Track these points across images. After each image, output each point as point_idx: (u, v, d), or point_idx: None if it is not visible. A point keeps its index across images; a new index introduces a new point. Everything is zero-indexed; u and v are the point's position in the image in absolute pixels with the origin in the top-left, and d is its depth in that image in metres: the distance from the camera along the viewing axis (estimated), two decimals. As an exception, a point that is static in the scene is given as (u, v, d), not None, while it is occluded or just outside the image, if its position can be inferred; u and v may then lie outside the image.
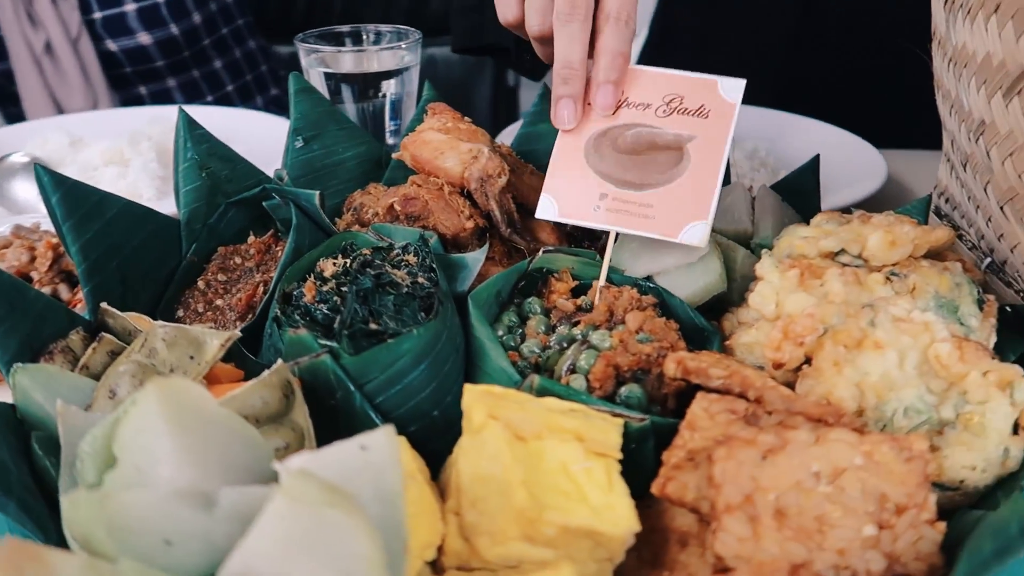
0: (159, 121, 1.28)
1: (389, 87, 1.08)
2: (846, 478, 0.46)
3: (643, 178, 0.71)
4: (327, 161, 0.92)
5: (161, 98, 1.61)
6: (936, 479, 0.52)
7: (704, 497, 0.49)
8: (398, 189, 0.83)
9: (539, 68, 1.27)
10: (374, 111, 1.08)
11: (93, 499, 0.38)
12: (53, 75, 1.50)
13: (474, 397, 0.52)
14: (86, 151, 1.19)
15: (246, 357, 0.64)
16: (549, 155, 0.75)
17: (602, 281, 0.71)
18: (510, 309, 0.72)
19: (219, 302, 0.75)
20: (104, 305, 0.63)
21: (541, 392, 0.56)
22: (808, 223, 0.71)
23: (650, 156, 0.71)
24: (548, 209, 0.75)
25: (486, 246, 0.76)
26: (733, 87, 0.70)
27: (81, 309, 0.71)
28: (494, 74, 2.24)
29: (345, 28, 1.08)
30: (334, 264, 0.69)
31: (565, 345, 0.65)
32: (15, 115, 1.58)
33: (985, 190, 0.64)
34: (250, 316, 0.71)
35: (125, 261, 0.74)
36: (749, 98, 1.38)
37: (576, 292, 0.74)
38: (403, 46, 1.05)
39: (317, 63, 1.04)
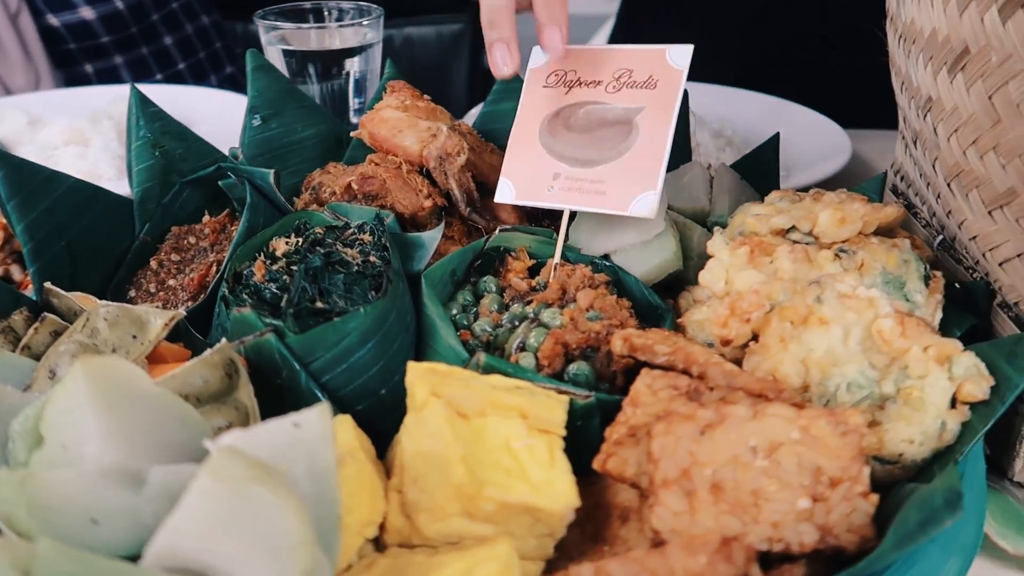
0: (121, 100, 1.26)
1: (352, 64, 1.07)
2: (782, 452, 0.46)
3: (595, 155, 0.71)
4: (286, 140, 0.91)
5: (108, 76, 1.55)
6: (876, 453, 0.53)
7: (644, 472, 0.49)
8: (356, 168, 0.82)
9: None
10: (337, 89, 1.06)
11: (14, 478, 0.37)
12: None
13: (417, 375, 0.52)
14: (45, 131, 1.17)
15: (195, 337, 0.64)
16: (510, 134, 0.75)
17: (557, 259, 0.71)
18: (465, 288, 0.72)
19: (172, 282, 0.75)
20: (48, 285, 0.62)
21: (487, 370, 0.56)
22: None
23: (601, 132, 0.71)
24: (506, 192, 0.74)
25: (441, 225, 0.76)
26: (681, 53, 0.69)
27: (32, 290, 0.70)
28: (471, 53, 2.22)
29: (306, 4, 1.06)
30: (286, 243, 0.69)
31: (517, 323, 0.65)
32: None
33: (934, 167, 0.64)
34: (202, 296, 0.71)
35: (74, 240, 0.73)
36: (716, 77, 1.37)
37: (534, 271, 0.74)
38: (365, 23, 1.04)
39: (277, 40, 1.02)
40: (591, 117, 0.73)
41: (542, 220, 0.84)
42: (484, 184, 0.82)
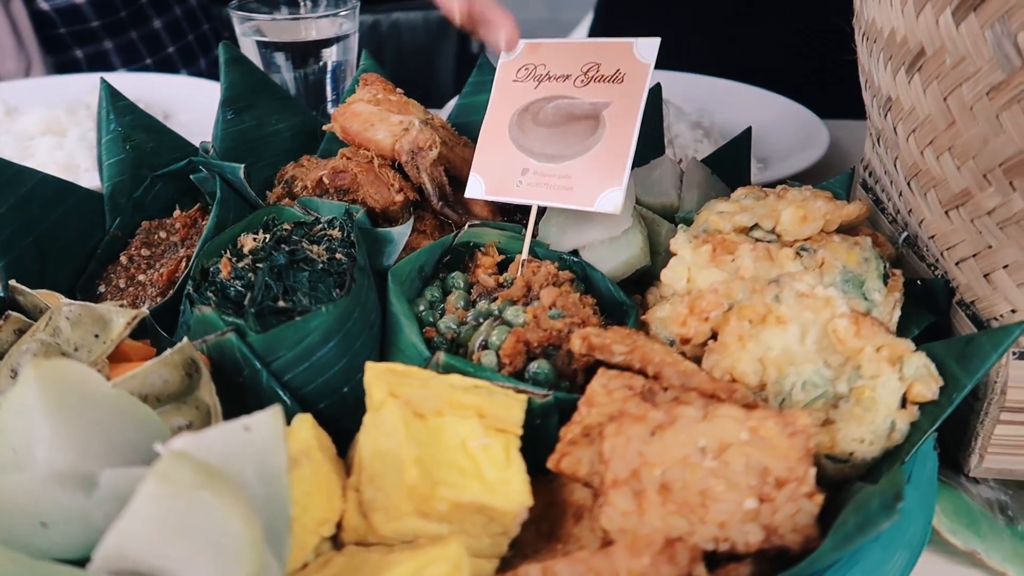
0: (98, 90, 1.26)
1: (329, 56, 1.06)
2: (731, 453, 0.47)
3: (562, 150, 0.71)
4: (259, 133, 0.91)
5: (98, 61, 1.55)
6: (829, 451, 0.54)
7: (596, 472, 0.50)
8: (328, 162, 0.82)
9: None
10: (313, 81, 1.06)
11: (-38, 483, 0.38)
12: None
13: (375, 375, 0.53)
14: (21, 120, 1.16)
15: (161, 335, 0.64)
16: (485, 127, 0.75)
17: (524, 255, 0.72)
18: (434, 284, 0.72)
19: (141, 277, 0.75)
20: (13, 283, 0.62)
21: (447, 369, 0.57)
22: (732, 197, 0.72)
23: (569, 127, 0.71)
24: (476, 187, 0.75)
25: (411, 220, 0.76)
26: (647, 47, 0.69)
27: (-2, 286, 0.70)
28: (458, 41, 2.21)
29: (282, -6, 1.05)
30: (254, 240, 0.69)
31: (481, 321, 0.65)
32: None
33: (895, 165, 0.65)
34: (171, 291, 0.71)
35: (43, 236, 0.73)
36: (696, 67, 1.37)
37: (504, 266, 0.74)
38: (341, 13, 1.04)
39: (252, 31, 1.02)
40: (559, 112, 0.73)
41: (514, 215, 0.85)
42: (457, 178, 0.82)
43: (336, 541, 0.51)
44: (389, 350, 0.64)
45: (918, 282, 0.66)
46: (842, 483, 0.53)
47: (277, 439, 0.43)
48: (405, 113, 0.84)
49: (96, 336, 0.56)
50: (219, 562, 0.38)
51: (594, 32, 1.65)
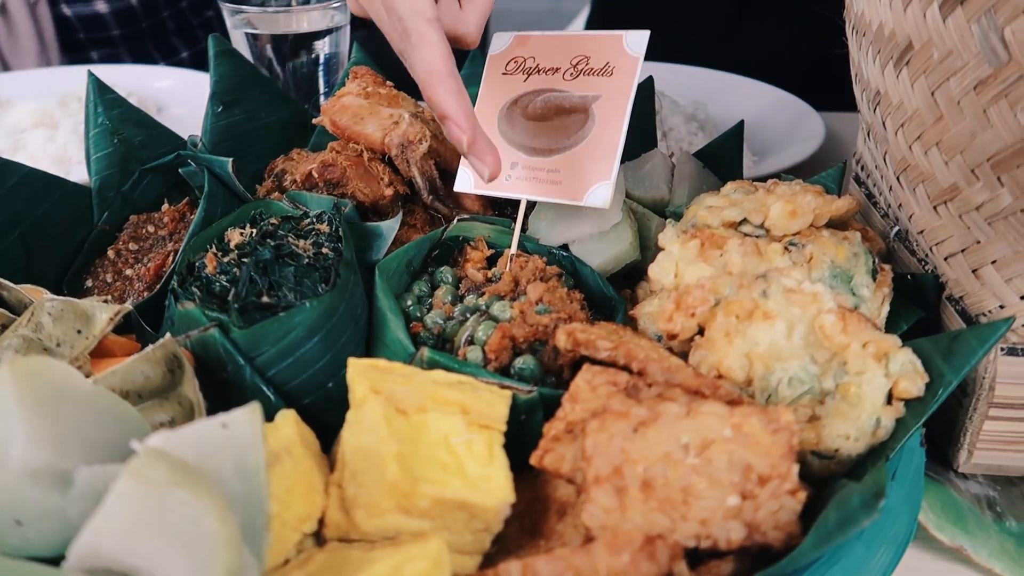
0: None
1: (320, 48, 1.06)
2: (714, 450, 0.47)
3: (551, 144, 0.70)
4: (249, 126, 0.90)
5: (112, 61, 1.57)
6: (814, 447, 0.53)
7: (579, 468, 0.49)
8: (317, 156, 0.82)
9: None
10: (304, 73, 1.05)
11: (-64, 481, 0.38)
12: (6, 38, 1.45)
13: (357, 371, 0.52)
14: (13, 112, 1.16)
15: (146, 330, 0.64)
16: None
17: (513, 250, 0.71)
18: (422, 278, 0.72)
19: (129, 272, 0.75)
20: (-4, 277, 0.62)
21: (431, 364, 0.56)
22: (723, 191, 0.71)
23: (558, 121, 0.70)
24: (465, 181, 0.74)
25: (400, 214, 0.76)
26: (637, 40, 0.69)
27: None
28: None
29: (273, -13, 1.05)
30: (241, 234, 0.69)
31: (468, 316, 0.65)
32: None
33: (884, 159, 0.64)
34: (158, 286, 0.71)
35: (29, 230, 0.72)
36: (692, 59, 1.36)
37: (494, 260, 0.74)
38: (332, 5, 1.03)
39: (242, 23, 1.01)
40: (548, 105, 0.72)
41: (505, 208, 0.84)
42: (448, 172, 0.82)
43: (318, 537, 0.51)
44: (375, 345, 0.64)
45: (908, 277, 0.66)
46: (827, 480, 0.53)
47: (255, 436, 0.43)
48: (395, 106, 0.83)
49: (79, 332, 0.56)
50: (194, 560, 0.38)
51: (591, 23, 1.64)
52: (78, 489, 0.41)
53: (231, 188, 0.78)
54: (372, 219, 0.78)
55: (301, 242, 0.67)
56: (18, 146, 1.11)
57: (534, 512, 0.54)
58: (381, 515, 0.48)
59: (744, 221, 0.65)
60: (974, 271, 0.58)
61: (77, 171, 1.07)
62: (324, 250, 0.66)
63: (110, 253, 0.76)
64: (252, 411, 0.43)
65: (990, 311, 0.59)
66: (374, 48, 0.96)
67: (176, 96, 1.30)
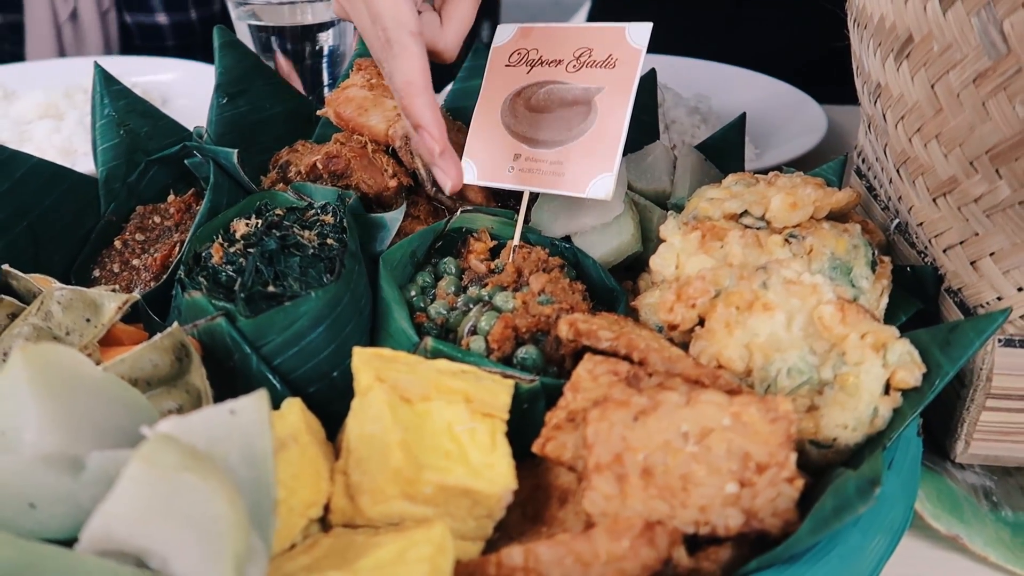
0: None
1: (324, 40, 1.06)
2: (713, 438, 0.48)
3: (554, 136, 0.71)
4: (254, 118, 0.91)
5: None
6: (813, 437, 0.54)
7: (580, 456, 0.50)
8: (322, 147, 0.82)
9: None
10: (309, 65, 1.06)
11: (-48, 465, 0.39)
12: (72, 43, 1.48)
13: (362, 360, 0.53)
14: (19, 104, 1.17)
15: (153, 319, 0.65)
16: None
17: (516, 241, 0.72)
18: (426, 269, 0.72)
19: (136, 262, 0.75)
20: (6, 267, 0.63)
21: (435, 354, 0.57)
22: (725, 183, 0.72)
23: (561, 113, 0.71)
24: (468, 173, 0.75)
25: (404, 205, 0.76)
26: (640, 32, 0.69)
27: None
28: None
29: (278, -22, 1.05)
30: (246, 225, 0.69)
31: (471, 306, 0.65)
32: None
33: (885, 152, 0.65)
34: (165, 276, 0.72)
35: (37, 221, 0.73)
36: (694, 52, 1.36)
37: (497, 252, 0.74)
38: (337, -3, 1.03)
39: (247, 15, 1.02)
40: (551, 97, 0.73)
41: (508, 200, 0.85)
42: (451, 163, 0.82)
43: (324, 523, 0.52)
44: (379, 335, 0.64)
45: (908, 269, 0.67)
46: (825, 468, 0.53)
47: (262, 422, 0.43)
48: (399, 98, 0.84)
49: (88, 320, 0.57)
50: (204, 543, 0.39)
51: (593, 15, 1.64)
52: (90, 474, 0.41)
53: (236, 179, 0.79)
54: (376, 210, 0.78)
55: (306, 233, 0.67)
56: (24, 137, 1.12)
57: (536, 499, 0.54)
58: (385, 501, 0.49)
59: (745, 213, 0.66)
60: (972, 263, 0.59)
61: (83, 162, 1.08)
62: (329, 241, 0.67)
63: (117, 243, 0.77)
64: (259, 398, 0.44)
65: (988, 303, 0.59)
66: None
67: (180, 87, 1.31)
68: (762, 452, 0.47)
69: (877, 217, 0.74)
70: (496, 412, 0.53)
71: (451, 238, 0.75)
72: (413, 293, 0.69)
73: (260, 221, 0.69)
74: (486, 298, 0.65)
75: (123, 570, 0.38)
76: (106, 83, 0.81)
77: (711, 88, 1.24)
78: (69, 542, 0.40)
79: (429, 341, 0.57)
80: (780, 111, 1.20)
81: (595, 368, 0.53)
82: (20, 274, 0.62)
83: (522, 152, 0.72)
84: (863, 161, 0.78)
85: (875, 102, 0.63)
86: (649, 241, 0.75)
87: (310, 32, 1.05)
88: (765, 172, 0.72)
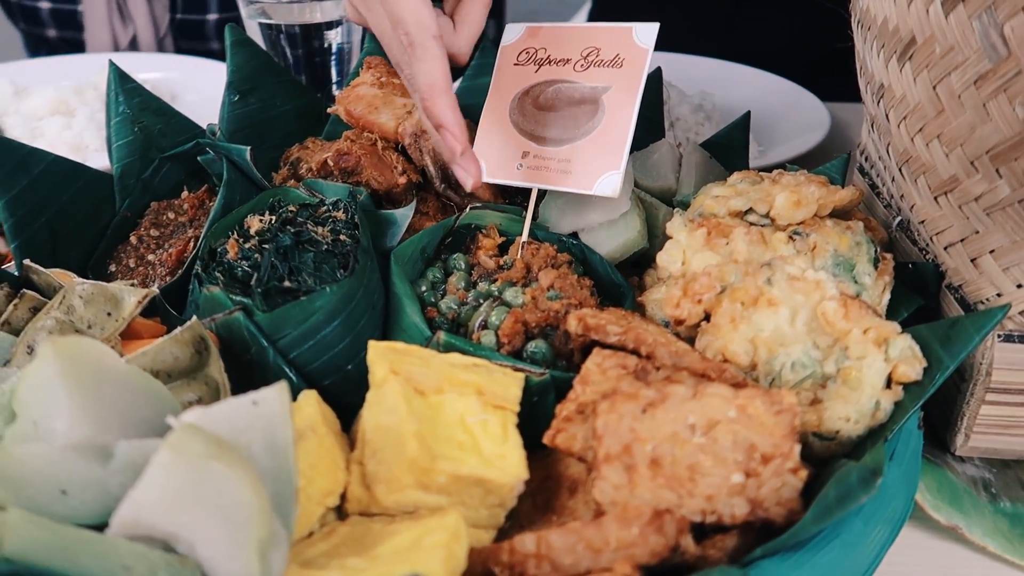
0: (106, 70, 1.27)
1: (333, 38, 1.07)
2: (719, 430, 0.49)
3: (562, 134, 0.72)
4: (265, 115, 0.92)
5: None
6: (816, 429, 0.55)
7: (590, 447, 0.52)
8: (332, 144, 0.83)
9: None
10: (318, 63, 1.07)
11: (-13, 453, 0.40)
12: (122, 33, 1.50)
13: (377, 353, 0.55)
14: (30, 100, 1.18)
15: (171, 313, 0.66)
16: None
17: (524, 238, 0.73)
18: (436, 265, 0.74)
19: (151, 257, 0.77)
20: (27, 262, 0.64)
21: (447, 348, 0.59)
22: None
23: (568, 111, 0.72)
24: None
25: (414, 202, 0.77)
26: (646, 32, 0.70)
27: (11, 265, 0.72)
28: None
29: (286, -23, 1.06)
30: (260, 221, 0.71)
31: (481, 301, 0.67)
32: None
33: (887, 151, 0.66)
34: (180, 271, 0.73)
35: (55, 216, 0.74)
36: (698, 50, 1.37)
37: (505, 248, 0.76)
38: (345, -4, 1.04)
39: (257, 14, 1.03)
40: (559, 96, 0.74)
41: (516, 197, 0.86)
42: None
43: (340, 512, 0.53)
44: (392, 329, 0.66)
45: (909, 266, 0.68)
46: (828, 460, 0.55)
47: (283, 413, 0.45)
48: (409, 96, 0.85)
49: (108, 314, 0.58)
50: (229, 528, 0.41)
51: (594, 13, 1.65)
52: (118, 462, 0.43)
53: (249, 176, 0.80)
54: (386, 207, 0.80)
55: (319, 229, 0.69)
56: (35, 134, 1.13)
57: (546, 489, 0.56)
58: (401, 490, 0.50)
59: (750, 210, 0.67)
60: (972, 260, 0.60)
61: (94, 158, 1.09)
62: (342, 237, 0.68)
63: (132, 239, 0.78)
64: (280, 390, 0.45)
65: (988, 299, 0.61)
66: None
67: (188, 84, 1.32)
68: (767, 443, 0.49)
69: (880, 214, 0.75)
70: (507, 404, 0.55)
71: (460, 234, 0.76)
72: (424, 288, 0.70)
73: (274, 217, 0.71)
74: (496, 293, 0.67)
75: (152, 554, 0.40)
76: (121, 81, 0.83)
77: (715, 86, 1.26)
78: (99, 527, 0.42)
79: (442, 335, 0.59)
80: (784, 108, 1.21)
81: (604, 362, 0.55)
82: (41, 269, 0.64)
83: (530, 150, 0.73)
84: (866, 159, 0.80)
85: (878, 102, 0.64)
86: (655, 238, 0.77)
87: (319, 30, 1.06)
88: (769, 170, 0.74)
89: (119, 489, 0.43)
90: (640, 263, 0.77)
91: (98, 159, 1.07)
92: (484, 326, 0.64)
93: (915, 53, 0.55)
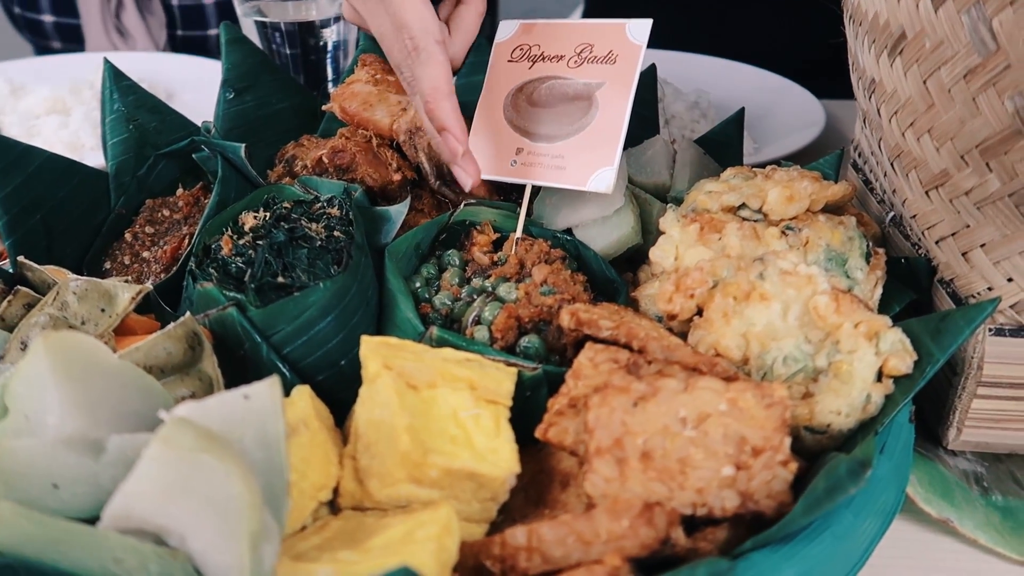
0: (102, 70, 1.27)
1: (329, 35, 1.08)
2: (710, 423, 0.49)
3: (556, 130, 0.72)
4: (260, 113, 0.92)
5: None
6: (807, 423, 0.56)
7: (581, 441, 0.52)
8: (328, 141, 0.84)
9: None
10: (314, 60, 1.07)
11: (-21, 447, 0.40)
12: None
13: (370, 348, 0.55)
14: (27, 99, 1.18)
15: (164, 309, 0.66)
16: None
17: (518, 234, 0.73)
18: (430, 261, 0.74)
19: (146, 254, 0.77)
20: (22, 259, 0.64)
21: (440, 343, 0.59)
22: (723, 176, 0.73)
23: (562, 108, 0.72)
24: None
25: (408, 199, 0.78)
26: (640, 28, 0.71)
27: (7, 262, 0.72)
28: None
29: (282, -25, 1.06)
30: (254, 218, 0.71)
31: (475, 297, 0.67)
32: None
33: (879, 146, 0.66)
34: (175, 268, 0.73)
35: (50, 214, 0.75)
36: (693, 47, 1.37)
37: (500, 244, 0.76)
38: (341, -7, 1.05)
39: (252, 11, 1.03)
40: (553, 92, 0.74)
41: (511, 194, 0.86)
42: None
43: (333, 506, 0.54)
44: (385, 325, 0.66)
45: (902, 260, 0.68)
46: (820, 453, 0.55)
47: (275, 407, 0.45)
48: (403, 93, 0.85)
49: (103, 310, 0.59)
50: (220, 521, 0.41)
51: (588, 10, 1.65)
52: (110, 456, 0.43)
53: (244, 173, 0.81)
54: (381, 204, 0.80)
55: (313, 225, 0.69)
56: (32, 132, 1.13)
57: (538, 483, 0.56)
58: (393, 485, 0.50)
59: (743, 206, 0.67)
60: (964, 254, 0.60)
61: (90, 157, 1.09)
62: (336, 233, 0.68)
63: (127, 236, 0.78)
64: (272, 384, 0.45)
65: (979, 293, 0.61)
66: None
67: (185, 82, 1.32)
68: (758, 436, 0.49)
69: (873, 210, 0.76)
70: (500, 399, 0.55)
71: (455, 231, 0.76)
72: (418, 284, 0.70)
73: (268, 214, 0.71)
74: (489, 289, 0.67)
75: (143, 547, 0.40)
76: (115, 79, 0.83)
77: (711, 83, 1.26)
78: (91, 521, 0.42)
79: (435, 330, 0.59)
80: (779, 105, 1.21)
81: (596, 356, 0.55)
82: (35, 266, 0.64)
83: (524, 146, 0.74)
84: (859, 155, 0.80)
85: (870, 97, 0.64)
86: (649, 233, 0.77)
87: (314, 28, 1.06)
88: (763, 166, 0.74)
89: (111, 483, 0.43)
90: (634, 259, 0.77)
91: (94, 158, 1.07)
92: (477, 321, 0.64)
93: (905, 48, 0.55)
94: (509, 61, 0.77)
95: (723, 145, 0.88)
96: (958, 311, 0.54)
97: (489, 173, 0.75)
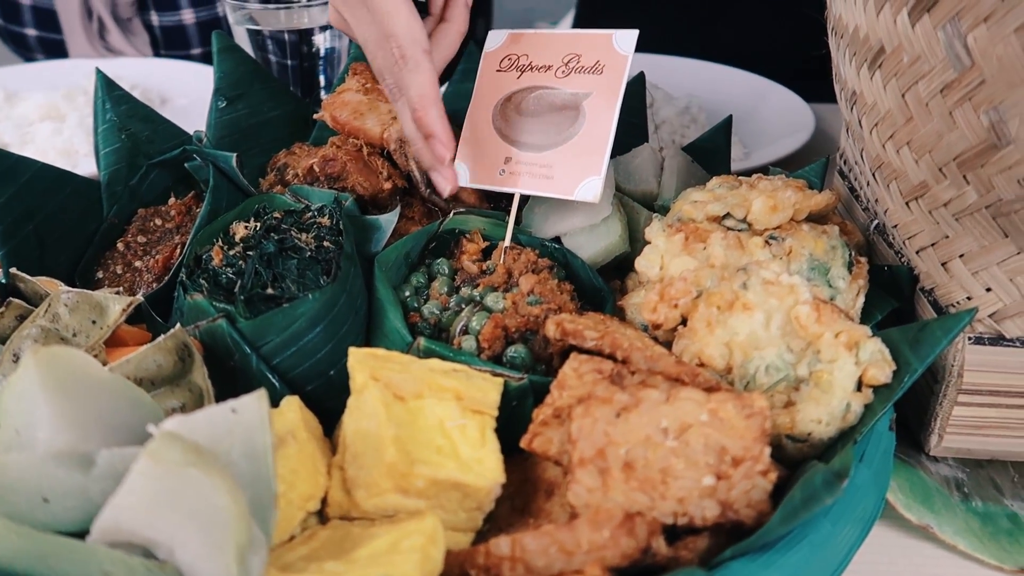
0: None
1: (322, 43, 1.08)
2: (691, 433, 0.50)
3: (544, 139, 0.73)
4: (252, 121, 0.93)
5: None
6: (789, 432, 0.56)
7: (565, 451, 0.53)
8: (319, 150, 0.84)
9: None
10: (305, 68, 1.08)
11: (-30, 462, 0.41)
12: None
13: (357, 359, 0.56)
14: (21, 105, 1.19)
15: (156, 320, 0.67)
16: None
17: (507, 243, 0.74)
18: (420, 270, 0.75)
19: (138, 264, 0.77)
20: (14, 270, 0.65)
21: (427, 353, 0.59)
22: (711, 185, 0.74)
23: (550, 117, 0.73)
24: (461, 175, 0.77)
25: (398, 208, 0.78)
26: (626, 39, 0.71)
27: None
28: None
29: (274, -17, 1.07)
30: (245, 228, 0.71)
31: (463, 307, 0.68)
32: None
33: (862, 156, 0.67)
34: (167, 277, 0.74)
35: (42, 224, 0.75)
36: (683, 52, 1.38)
37: (489, 253, 0.77)
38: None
39: (244, 20, 1.04)
40: (541, 102, 0.75)
41: (500, 202, 0.87)
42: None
43: (321, 516, 0.54)
44: (374, 334, 0.67)
45: (885, 269, 0.69)
46: (801, 462, 0.56)
47: (262, 420, 0.46)
48: (394, 102, 0.86)
49: (94, 322, 0.59)
50: (208, 534, 0.41)
51: (579, 16, 1.65)
52: (99, 469, 0.44)
53: (235, 182, 0.81)
54: (371, 212, 0.80)
55: (303, 235, 0.70)
56: (26, 139, 1.14)
57: (524, 492, 0.57)
58: (380, 495, 0.51)
59: (727, 215, 0.68)
60: (943, 264, 0.61)
61: (84, 163, 1.10)
62: (325, 243, 0.69)
63: (119, 245, 0.79)
64: (259, 397, 0.46)
65: (959, 302, 0.62)
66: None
67: (178, 88, 1.33)
68: (738, 446, 0.50)
69: (859, 217, 0.76)
70: (486, 409, 0.56)
71: (444, 239, 0.77)
72: (407, 293, 0.71)
73: (259, 224, 0.71)
74: (477, 298, 0.68)
75: (132, 560, 0.41)
76: (107, 88, 0.83)
77: (701, 87, 1.27)
78: (81, 534, 0.43)
79: (422, 341, 0.60)
80: (769, 110, 1.22)
81: (580, 367, 0.56)
82: (27, 277, 0.65)
83: (512, 155, 0.74)
84: (845, 163, 0.81)
85: (852, 108, 0.65)
86: (636, 242, 0.78)
87: (306, 36, 1.07)
88: (752, 172, 0.75)
89: (100, 497, 0.43)
90: (622, 267, 0.78)
91: (88, 164, 1.08)
92: (465, 331, 0.65)
93: (884, 61, 0.56)
94: (498, 71, 0.78)
95: (711, 152, 0.89)
96: (936, 321, 0.55)
97: (478, 182, 0.76)
